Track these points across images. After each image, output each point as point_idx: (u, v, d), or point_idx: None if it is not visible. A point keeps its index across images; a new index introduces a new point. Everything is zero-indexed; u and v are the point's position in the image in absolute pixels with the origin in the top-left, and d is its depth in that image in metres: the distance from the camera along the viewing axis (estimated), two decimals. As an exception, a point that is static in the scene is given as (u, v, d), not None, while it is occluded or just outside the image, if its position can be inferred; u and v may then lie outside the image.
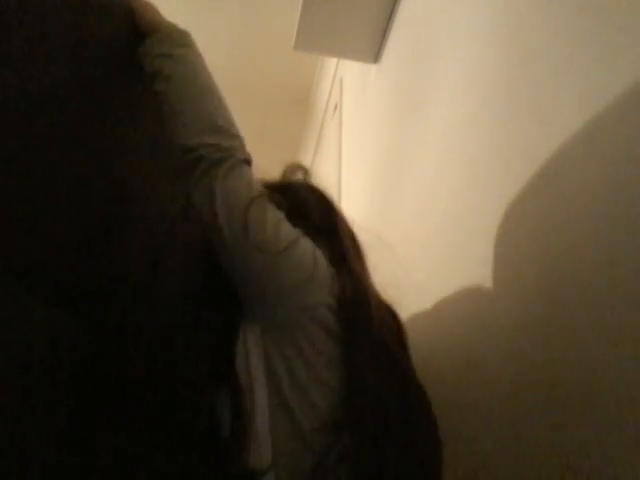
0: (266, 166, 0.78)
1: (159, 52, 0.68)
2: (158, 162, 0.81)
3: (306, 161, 3.22)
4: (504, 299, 0.75)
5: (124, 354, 0.74)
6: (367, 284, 0.72)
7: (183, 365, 0.63)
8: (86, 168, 0.66)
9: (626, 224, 0.52)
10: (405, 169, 1.38)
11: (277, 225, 0.63)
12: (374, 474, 0.56)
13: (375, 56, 1.96)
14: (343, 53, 1.96)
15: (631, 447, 0.47)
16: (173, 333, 0.67)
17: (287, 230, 0.64)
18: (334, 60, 2.69)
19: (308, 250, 0.64)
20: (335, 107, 2.57)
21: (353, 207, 1.87)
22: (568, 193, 0.64)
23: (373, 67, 1.96)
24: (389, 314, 0.75)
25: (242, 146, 0.68)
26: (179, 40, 0.70)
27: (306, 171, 0.86)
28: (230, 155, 0.64)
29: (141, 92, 0.76)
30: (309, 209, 0.76)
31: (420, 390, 0.67)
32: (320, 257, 0.65)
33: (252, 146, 0.71)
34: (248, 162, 0.68)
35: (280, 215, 0.65)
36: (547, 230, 0.67)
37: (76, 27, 0.63)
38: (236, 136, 0.67)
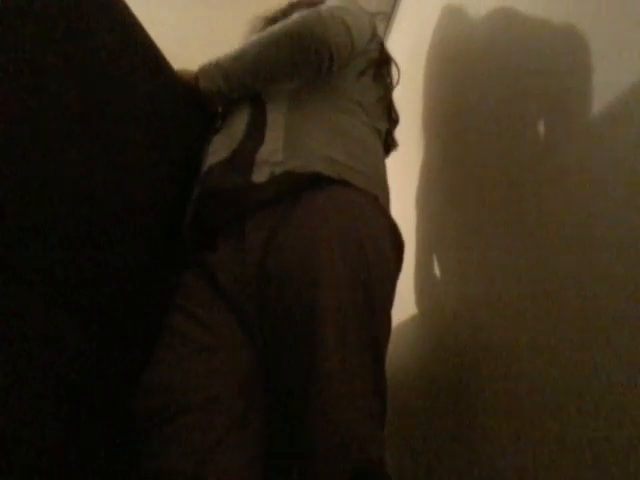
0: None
1: (218, 83, 0.87)
2: (156, 159, 0.81)
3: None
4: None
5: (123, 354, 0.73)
6: None
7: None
8: (84, 166, 0.66)
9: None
10: (404, 168, 1.38)
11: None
12: None
13: (375, 56, 1.95)
14: (343, 53, 1.96)
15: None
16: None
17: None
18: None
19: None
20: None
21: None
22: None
23: (372, 67, 1.94)
24: None
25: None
26: (209, 70, 0.88)
27: None
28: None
29: (138, 86, 0.76)
30: None
31: None
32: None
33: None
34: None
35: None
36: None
37: (77, 23, 0.63)
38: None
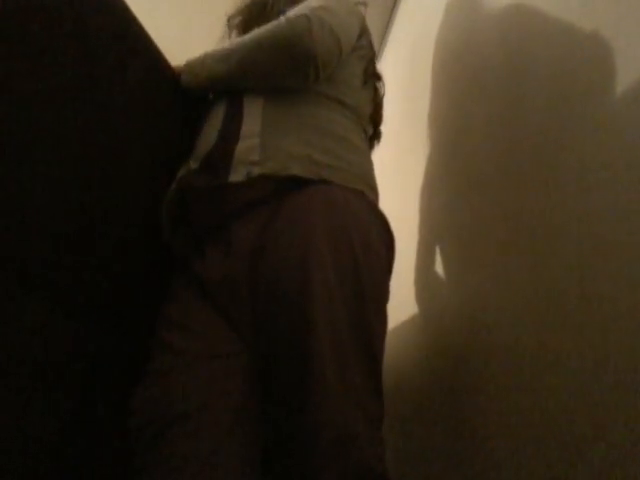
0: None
1: (203, 74, 0.87)
2: (153, 154, 0.81)
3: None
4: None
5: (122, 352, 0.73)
6: None
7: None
8: (84, 167, 0.66)
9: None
10: (404, 168, 1.38)
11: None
12: None
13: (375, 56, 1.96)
14: (343, 53, 1.97)
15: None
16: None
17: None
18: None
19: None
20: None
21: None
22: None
23: (373, 67, 1.95)
24: None
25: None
26: (194, 67, 0.88)
27: None
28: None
29: (139, 86, 0.76)
30: None
31: None
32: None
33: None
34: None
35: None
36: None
37: (79, 25, 0.63)
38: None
